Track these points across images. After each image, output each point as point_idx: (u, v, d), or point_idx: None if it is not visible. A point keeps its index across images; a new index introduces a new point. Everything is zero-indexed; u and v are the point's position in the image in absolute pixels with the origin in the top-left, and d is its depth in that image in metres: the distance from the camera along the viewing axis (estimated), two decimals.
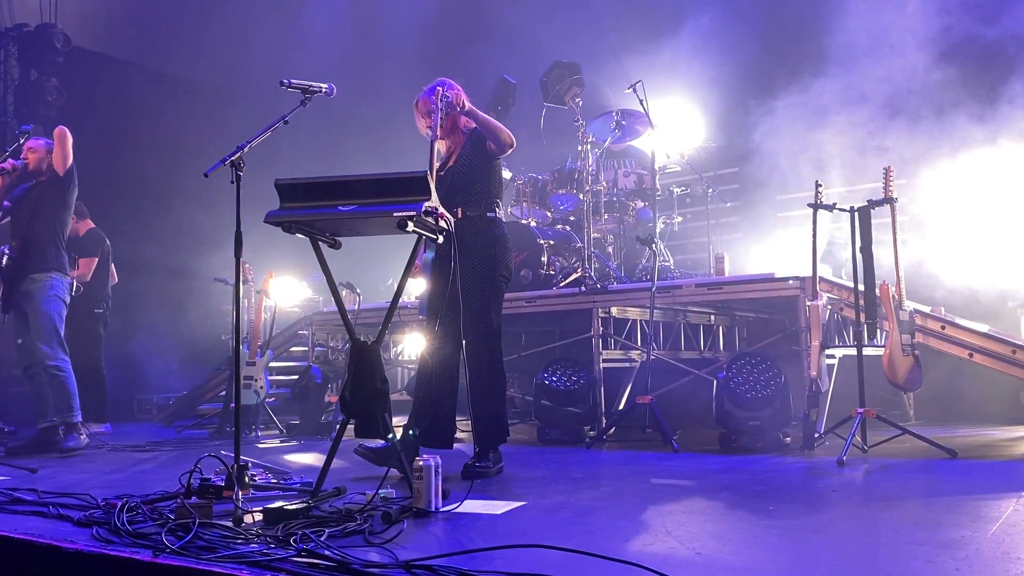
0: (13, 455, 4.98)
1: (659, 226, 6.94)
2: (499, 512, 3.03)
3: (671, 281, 5.89)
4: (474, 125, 4.15)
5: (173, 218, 8.12)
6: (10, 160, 5.38)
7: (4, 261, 5.38)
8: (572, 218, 7.16)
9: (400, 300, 3.45)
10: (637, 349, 5.90)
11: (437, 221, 3.17)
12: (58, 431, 5.33)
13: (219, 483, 3.13)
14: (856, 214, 4.67)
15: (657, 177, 6.98)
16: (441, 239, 3.32)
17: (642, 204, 7.11)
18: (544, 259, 6.49)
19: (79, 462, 4.87)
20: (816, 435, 4.66)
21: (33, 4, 8.39)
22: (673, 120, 7.97)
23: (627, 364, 5.96)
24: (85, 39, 8.66)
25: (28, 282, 5.34)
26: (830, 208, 4.77)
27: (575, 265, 6.48)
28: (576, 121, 6.64)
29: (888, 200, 4.62)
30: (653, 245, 5.51)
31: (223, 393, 7.52)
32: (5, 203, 5.52)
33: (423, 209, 3.06)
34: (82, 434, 5.37)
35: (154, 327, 8.53)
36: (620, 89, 6.68)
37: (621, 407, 5.72)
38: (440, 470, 3.07)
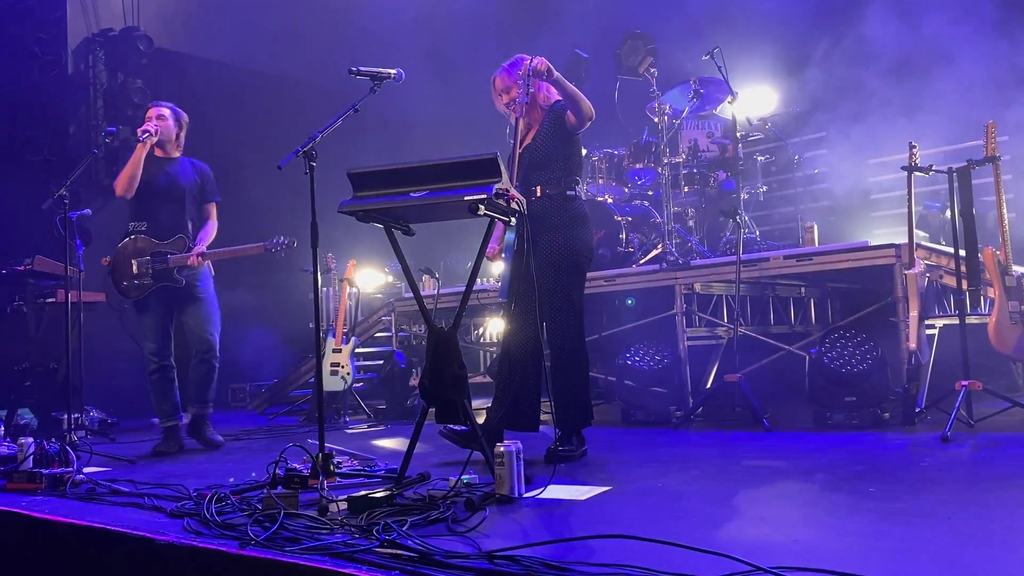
0: (159, 456, 4.81)
1: (743, 197, 6.72)
2: (584, 498, 2.97)
3: (757, 254, 5.68)
4: (552, 100, 4.06)
5: (260, 209, 8.30)
6: (147, 125, 4.96)
7: (186, 245, 4.96)
8: (651, 193, 6.99)
9: (479, 283, 3.41)
10: (723, 326, 5.73)
11: (509, 203, 3.11)
12: (178, 431, 5.08)
13: (305, 472, 3.16)
14: (955, 175, 4.40)
15: (740, 145, 6.76)
16: (514, 221, 3.26)
17: (724, 175, 6.89)
18: (623, 236, 6.36)
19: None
20: (917, 410, 4.44)
21: (117, 9, 8.66)
22: (755, 85, 7.69)
23: (713, 341, 5.80)
24: (166, 40, 8.90)
25: (189, 268, 4.98)
26: (926, 170, 4.50)
27: (655, 241, 6.33)
28: (652, 91, 6.47)
29: (991, 159, 4.33)
30: (737, 217, 5.32)
31: (312, 380, 7.68)
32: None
33: (494, 191, 3.00)
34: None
35: (245, 317, 8.75)
36: (697, 56, 6.47)
37: (708, 386, 5.57)
38: (522, 455, 3.02)
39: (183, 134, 5.20)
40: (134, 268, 4.95)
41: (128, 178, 4.91)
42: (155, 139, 4.93)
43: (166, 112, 5.11)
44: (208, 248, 5.04)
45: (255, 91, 9.33)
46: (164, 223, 5.03)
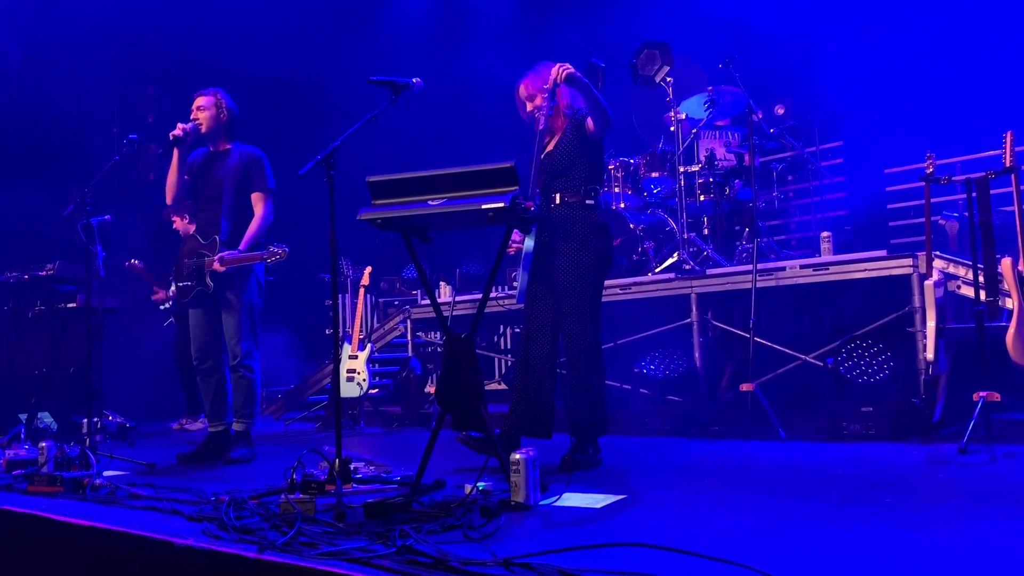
0: (185, 463, 4.65)
1: (759, 205, 6.71)
2: (599, 506, 2.98)
3: (773, 263, 5.67)
4: (575, 108, 4.07)
5: (276, 214, 8.38)
6: (181, 125, 4.69)
7: (217, 247, 4.70)
8: (666, 201, 6.99)
9: (495, 291, 3.43)
10: (739, 335, 5.71)
11: (526, 212, 3.13)
12: (228, 436, 4.80)
13: (322, 478, 3.19)
14: (972, 185, 4.38)
15: (756, 154, 6.75)
16: (532, 231, 3.29)
17: (740, 183, 6.89)
18: (637, 245, 6.37)
19: None
20: (934, 421, 4.41)
21: (135, 17, 8.75)
22: (771, 94, 7.69)
23: (728, 351, 5.78)
24: (184, 47, 8.98)
25: (217, 272, 4.66)
26: (943, 180, 4.48)
27: (670, 250, 6.33)
28: (668, 100, 6.48)
29: (1010, 170, 4.31)
30: (753, 226, 5.32)
31: (328, 386, 7.72)
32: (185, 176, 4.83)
33: (511, 200, 3.02)
34: (253, 444, 4.80)
35: (261, 322, 8.81)
36: (713, 66, 6.49)
37: (724, 395, 5.55)
38: (537, 463, 3.04)
39: (227, 120, 4.84)
40: (184, 269, 4.81)
41: (168, 186, 4.78)
42: (188, 138, 4.69)
43: (205, 102, 4.80)
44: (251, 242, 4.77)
45: (272, 99, 9.39)
46: (204, 221, 4.83)
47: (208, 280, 4.71)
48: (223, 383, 4.83)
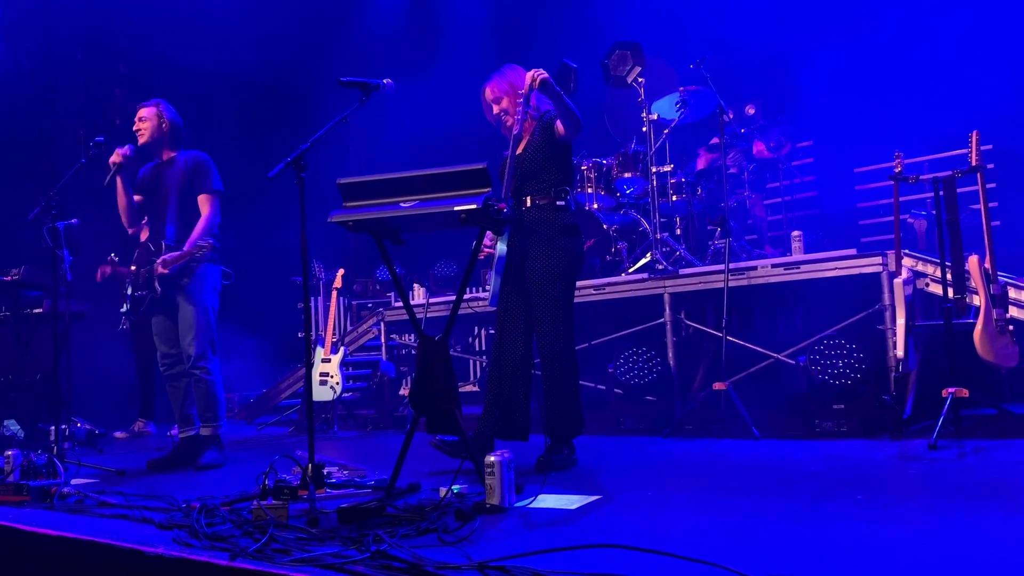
0: (154, 470, 4.58)
1: (731, 205, 6.75)
2: (574, 507, 2.98)
3: (745, 262, 5.72)
4: (543, 111, 4.06)
5: (247, 217, 8.29)
6: (118, 150, 4.65)
7: (163, 251, 4.68)
8: (639, 202, 7.02)
9: (469, 292, 3.42)
10: (712, 334, 5.75)
11: (499, 213, 3.13)
12: (198, 442, 4.75)
13: (295, 483, 3.16)
14: (940, 184, 4.44)
15: (727, 154, 6.79)
16: (505, 234, 3.28)
17: (712, 183, 6.93)
18: (611, 245, 6.38)
19: None
20: (904, 418, 4.46)
21: (100, 19, 8.63)
22: (742, 93, 7.74)
23: (701, 350, 5.81)
24: (151, 48, 8.87)
25: (182, 271, 4.66)
26: (912, 179, 4.54)
27: (643, 250, 6.35)
28: (640, 101, 6.51)
29: (975, 169, 4.38)
30: (724, 226, 5.35)
31: (301, 390, 7.66)
32: (135, 196, 4.85)
33: (484, 202, 3.02)
34: (223, 449, 4.77)
35: (232, 327, 8.73)
36: (684, 66, 6.52)
37: (697, 394, 5.58)
38: (512, 465, 3.03)
39: (168, 129, 4.85)
40: (140, 279, 4.76)
41: (121, 211, 4.81)
42: (126, 162, 4.69)
43: (146, 113, 4.83)
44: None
45: (242, 101, 9.30)
46: (153, 229, 4.83)
47: (156, 285, 4.67)
48: (182, 388, 4.82)
